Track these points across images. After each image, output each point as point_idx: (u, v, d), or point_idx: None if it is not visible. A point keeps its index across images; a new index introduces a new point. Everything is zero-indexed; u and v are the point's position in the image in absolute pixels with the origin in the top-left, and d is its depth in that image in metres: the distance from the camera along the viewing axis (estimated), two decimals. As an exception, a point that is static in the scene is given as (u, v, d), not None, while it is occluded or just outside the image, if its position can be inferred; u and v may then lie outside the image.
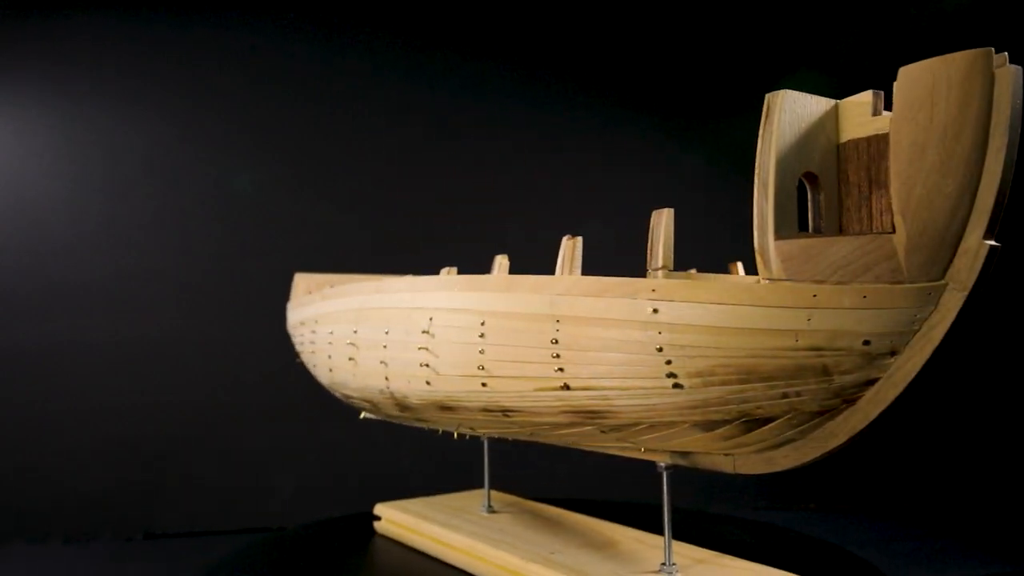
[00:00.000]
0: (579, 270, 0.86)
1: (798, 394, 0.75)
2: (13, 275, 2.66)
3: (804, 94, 0.75)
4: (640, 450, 0.91)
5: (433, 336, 0.96)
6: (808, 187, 0.77)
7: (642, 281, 0.78)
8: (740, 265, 1.03)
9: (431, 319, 0.97)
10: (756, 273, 0.75)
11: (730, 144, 2.90)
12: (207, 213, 2.76)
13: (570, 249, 0.85)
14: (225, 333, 2.60)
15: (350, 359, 1.13)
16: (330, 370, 1.23)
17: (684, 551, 1.00)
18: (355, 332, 1.13)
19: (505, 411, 0.91)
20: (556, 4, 3.06)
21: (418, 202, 2.91)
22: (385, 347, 1.05)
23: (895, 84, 0.68)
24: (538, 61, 3.06)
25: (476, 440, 1.26)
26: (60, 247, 2.70)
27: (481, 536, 1.14)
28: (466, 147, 2.98)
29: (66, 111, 2.75)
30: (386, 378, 1.05)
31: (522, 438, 1.03)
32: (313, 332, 1.31)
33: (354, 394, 1.19)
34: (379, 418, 1.54)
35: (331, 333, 1.22)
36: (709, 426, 0.81)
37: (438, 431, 1.15)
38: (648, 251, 0.80)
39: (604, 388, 0.81)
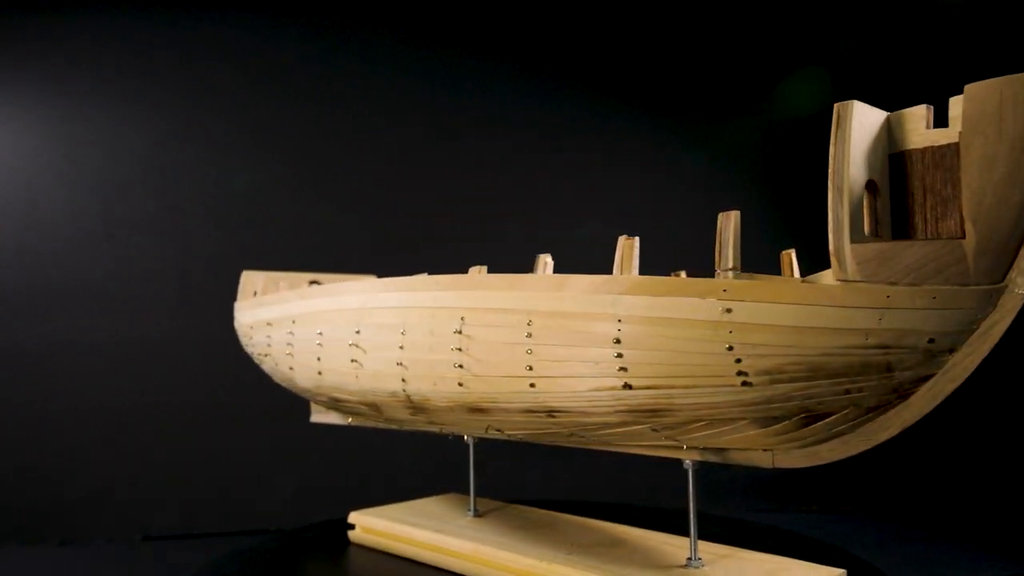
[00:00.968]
0: (636, 270, 0.86)
1: (860, 390, 0.79)
2: (11, 275, 2.65)
3: (865, 104, 0.79)
4: (682, 447, 0.92)
5: (468, 336, 0.93)
6: (866, 194, 0.81)
7: (712, 281, 0.79)
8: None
9: (463, 319, 0.94)
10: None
11: (731, 144, 2.98)
12: (206, 213, 2.76)
13: (628, 249, 0.85)
14: (224, 333, 2.43)
15: (353, 361, 1.08)
16: (319, 373, 1.16)
17: (704, 548, 1.03)
18: (358, 333, 1.08)
19: (551, 412, 0.90)
20: (557, 3, 3.06)
21: (417, 202, 2.91)
22: (402, 348, 1.01)
23: (963, 100, 0.73)
24: (538, 60, 3.06)
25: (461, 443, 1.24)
26: (59, 246, 2.68)
27: (485, 539, 1.11)
28: (466, 147, 2.97)
29: (65, 110, 2.73)
30: (403, 380, 1.01)
31: (545, 440, 1.02)
32: (290, 333, 1.24)
33: (351, 397, 1.13)
34: (344, 423, 1.49)
35: (320, 334, 1.15)
36: (767, 422, 0.84)
37: (413, 434, 1.12)
38: (716, 252, 0.81)
39: (669, 387, 0.82)
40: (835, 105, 0.78)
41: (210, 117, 2.81)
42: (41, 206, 2.68)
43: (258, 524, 2.52)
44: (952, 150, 0.77)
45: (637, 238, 0.87)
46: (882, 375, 0.77)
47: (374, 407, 1.11)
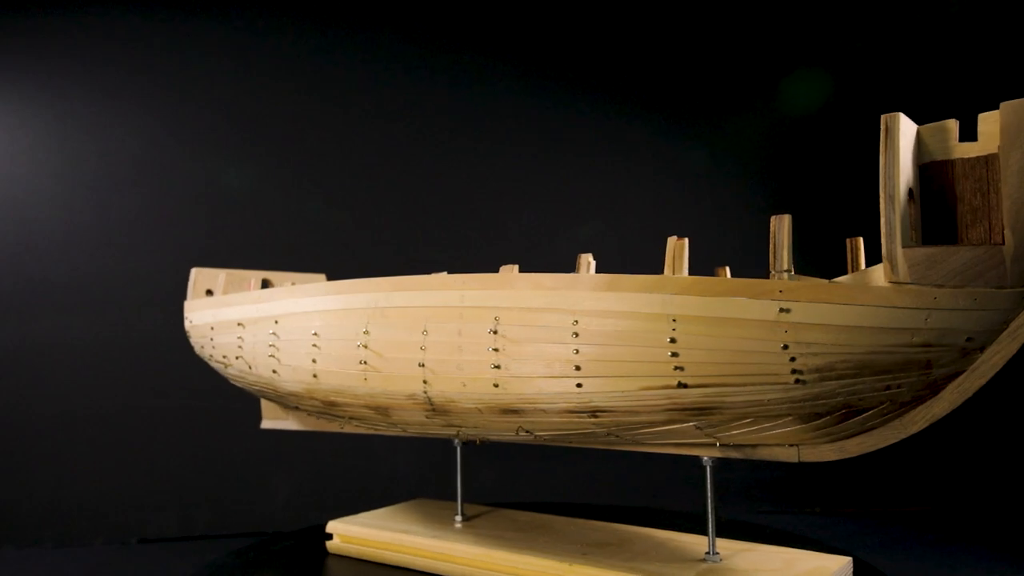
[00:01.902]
0: (686, 270, 0.87)
1: (899, 385, 0.84)
2: (7, 274, 2.60)
3: (905, 116, 0.84)
4: (715, 444, 0.94)
5: (505, 337, 0.91)
6: (909, 202, 0.86)
7: (768, 282, 0.82)
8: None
9: (497, 319, 0.92)
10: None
11: (733, 142, 2.97)
12: (201, 212, 2.70)
13: (680, 249, 0.87)
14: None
15: (363, 363, 1.03)
16: (314, 375, 1.10)
17: (720, 544, 1.05)
18: (366, 333, 1.03)
19: (595, 411, 0.90)
20: (558, 1, 3.01)
21: (417, 201, 2.85)
22: (423, 349, 0.98)
23: (1000, 116, 0.79)
24: (538, 58, 3.00)
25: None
26: (53, 246, 2.63)
27: (492, 542, 1.09)
28: (464, 144, 2.90)
29: (56, 108, 2.68)
30: (425, 382, 0.98)
31: (573, 441, 1.01)
32: (273, 333, 1.17)
33: (354, 401, 1.08)
34: (296, 429, 1.43)
35: (316, 335, 1.09)
36: (809, 418, 0.87)
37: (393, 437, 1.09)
38: (771, 254, 0.83)
39: (722, 384, 0.84)
40: (882, 116, 0.83)
41: (203, 116, 2.75)
42: (35, 205, 2.63)
43: (256, 526, 2.52)
44: (982, 162, 0.83)
45: (686, 239, 0.89)
46: (921, 372, 0.82)
47: (381, 410, 1.06)
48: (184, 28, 2.77)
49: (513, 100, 2.94)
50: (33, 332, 2.58)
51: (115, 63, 2.72)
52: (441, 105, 2.89)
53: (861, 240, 1.03)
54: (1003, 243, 0.78)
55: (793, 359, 0.81)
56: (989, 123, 0.83)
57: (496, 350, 0.92)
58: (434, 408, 1.00)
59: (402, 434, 1.20)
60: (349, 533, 1.24)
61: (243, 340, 1.23)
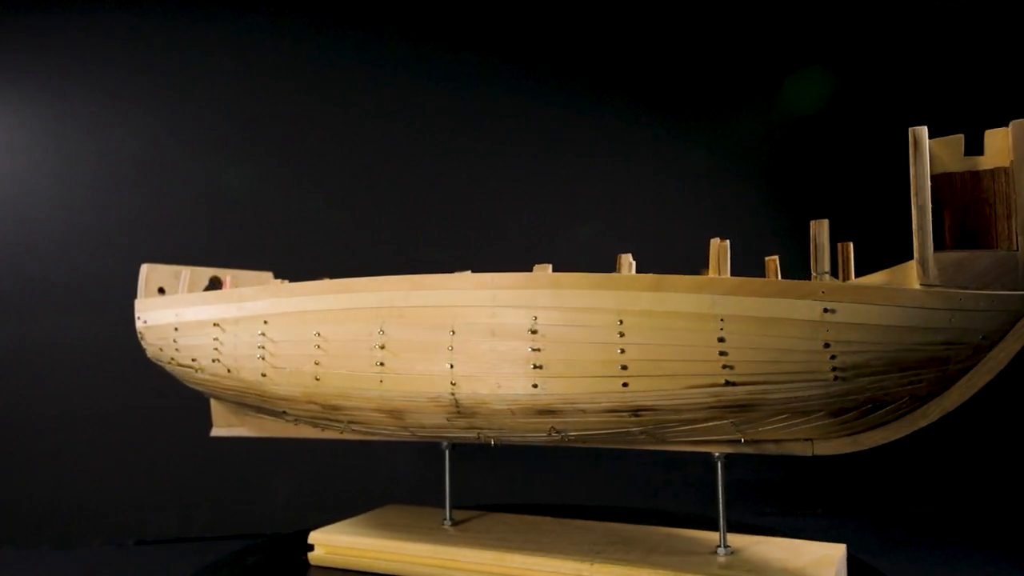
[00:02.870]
0: (728, 271, 0.90)
1: (920, 380, 0.90)
2: (4, 274, 2.59)
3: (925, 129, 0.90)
4: (740, 441, 0.97)
5: (546, 336, 0.90)
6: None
7: (812, 283, 0.86)
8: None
9: (536, 318, 0.91)
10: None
11: (733, 142, 2.95)
12: (199, 211, 2.65)
13: (724, 250, 0.89)
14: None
15: (380, 364, 0.99)
16: (316, 378, 1.04)
17: (731, 539, 1.08)
18: (382, 333, 0.99)
19: (638, 410, 0.90)
20: (557, 0, 2.95)
21: (417, 201, 2.78)
22: (451, 349, 0.95)
23: (1011, 134, 0.87)
24: (538, 57, 2.94)
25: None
26: (52, 245, 2.60)
27: (498, 545, 1.08)
28: (465, 145, 2.84)
29: (56, 108, 2.65)
30: (453, 383, 0.95)
31: (600, 441, 1.01)
32: (262, 334, 1.10)
33: (364, 405, 1.03)
34: (248, 436, 1.36)
35: (318, 335, 1.04)
36: (839, 413, 0.92)
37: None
38: (812, 256, 0.87)
39: (767, 382, 0.87)
40: (910, 129, 0.88)
41: (205, 116, 2.70)
42: (35, 205, 2.61)
43: (254, 528, 2.48)
44: (989, 175, 0.91)
45: (728, 240, 0.91)
46: (940, 367, 0.89)
47: (396, 413, 1.02)
48: (184, 28, 2.74)
49: (513, 100, 2.91)
50: (33, 332, 2.56)
51: (115, 63, 2.69)
52: (441, 105, 2.86)
53: (851, 245, 1.09)
54: (1017, 249, 0.86)
55: (833, 357, 0.85)
56: (996, 139, 0.90)
57: (538, 350, 0.91)
58: (460, 410, 0.97)
59: (404, 439, 1.16)
60: (336, 544, 1.18)
61: (221, 342, 1.15)
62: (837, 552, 1.04)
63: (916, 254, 0.86)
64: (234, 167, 2.72)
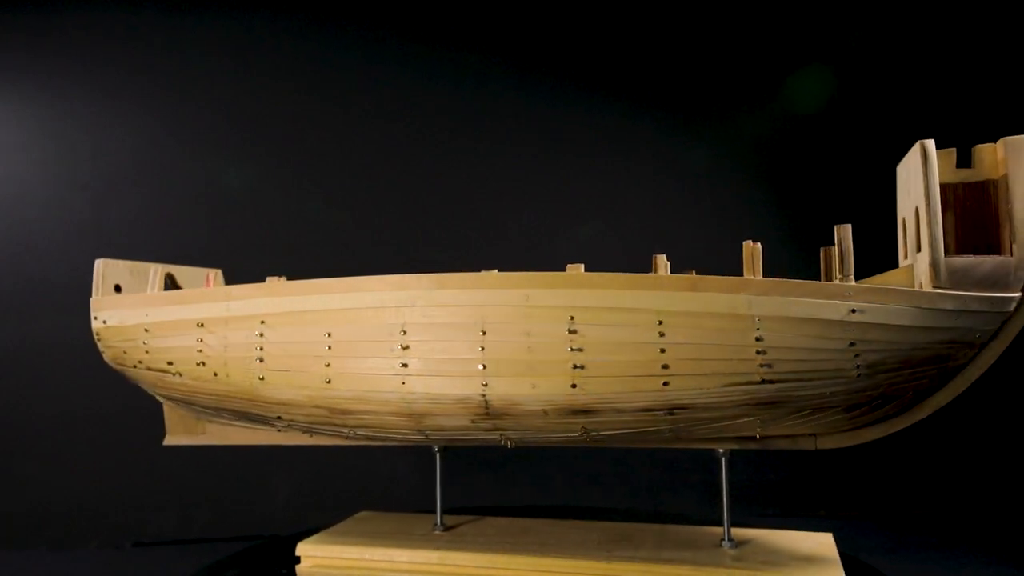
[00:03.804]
0: (761, 272, 0.93)
1: (924, 376, 0.96)
2: (3, 275, 2.56)
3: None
4: (755, 436, 1.01)
5: (585, 336, 0.90)
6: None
7: (838, 284, 0.90)
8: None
9: (572, 318, 0.91)
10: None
11: (734, 141, 2.89)
12: (199, 211, 2.62)
13: (757, 253, 0.92)
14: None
15: (403, 365, 0.95)
16: (328, 381, 0.99)
17: (734, 533, 1.11)
18: (404, 333, 0.96)
19: (674, 408, 0.92)
20: (557, 0, 2.86)
21: (417, 201, 2.71)
22: (483, 349, 0.93)
23: (1005, 149, 0.95)
24: (538, 56, 2.85)
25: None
26: (50, 244, 2.57)
27: (503, 549, 1.06)
28: (465, 145, 2.76)
29: (55, 108, 2.61)
30: (484, 384, 0.93)
31: (626, 440, 1.02)
32: (260, 335, 1.03)
33: (381, 408, 0.99)
34: (196, 444, 1.30)
35: (328, 335, 0.99)
36: (852, 407, 0.97)
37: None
38: (837, 259, 0.92)
39: (799, 380, 0.90)
40: (919, 142, 0.95)
41: (205, 116, 2.64)
42: (34, 205, 2.58)
43: (253, 529, 2.44)
44: (981, 186, 0.99)
45: (759, 243, 0.94)
46: (941, 364, 0.96)
47: (415, 416, 0.99)
48: (184, 28, 2.67)
49: (513, 100, 2.84)
50: (33, 332, 2.53)
51: (114, 63, 2.63)
52: (441, 105, 2.78)
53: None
54: (1012, 256, 0.94)
55: (858, 355, 0.90)
56: (985, 153, 0.99)
57: (579, 350, 0.90)
58: (488, 412, 0.95)
59: (408, 443, 1.12)
60: (323, 556, 1.13)
61: (207, 344, 1.07)
62: (829, 539, 1.10)
63: (928, 258, 0.92)
64: (234, 167, 2.68)
